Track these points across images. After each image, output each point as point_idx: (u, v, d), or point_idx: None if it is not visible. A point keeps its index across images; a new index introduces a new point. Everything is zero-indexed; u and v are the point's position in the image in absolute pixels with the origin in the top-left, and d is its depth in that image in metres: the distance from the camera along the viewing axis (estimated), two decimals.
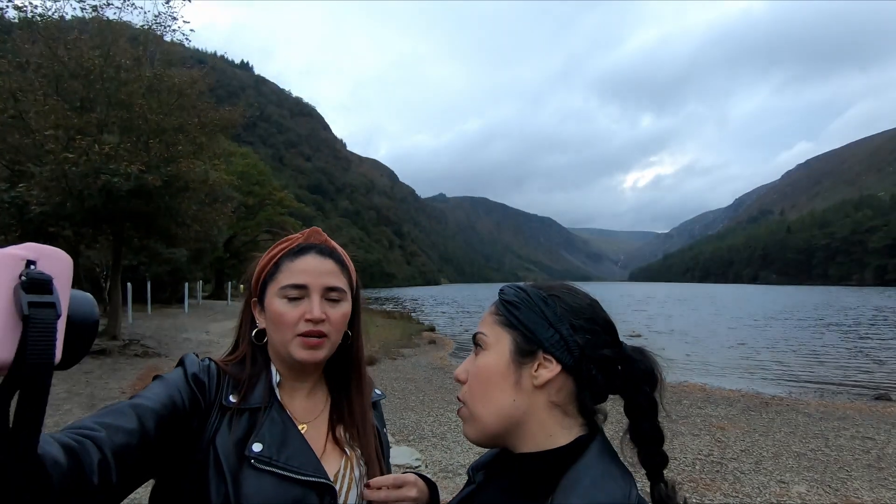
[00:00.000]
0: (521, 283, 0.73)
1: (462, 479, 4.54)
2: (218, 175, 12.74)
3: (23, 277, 0.44)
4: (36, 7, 10.63)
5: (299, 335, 0.84)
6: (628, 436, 0.66)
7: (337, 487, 0.82)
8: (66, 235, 11.32)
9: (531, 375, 0.65)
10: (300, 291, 0.85)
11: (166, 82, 11.05)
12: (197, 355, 0.87)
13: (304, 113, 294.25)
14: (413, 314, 30.60)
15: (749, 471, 4.91)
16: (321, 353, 0.86)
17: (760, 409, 7.70)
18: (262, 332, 0.90)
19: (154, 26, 11.59)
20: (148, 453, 0.69)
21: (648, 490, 0.66)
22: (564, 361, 0.65)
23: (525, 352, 0.66)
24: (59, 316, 0.45)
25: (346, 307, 0.89)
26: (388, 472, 0.94)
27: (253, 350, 0.90)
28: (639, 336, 19.29)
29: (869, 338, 19.51)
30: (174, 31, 11.83)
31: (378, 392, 1.03)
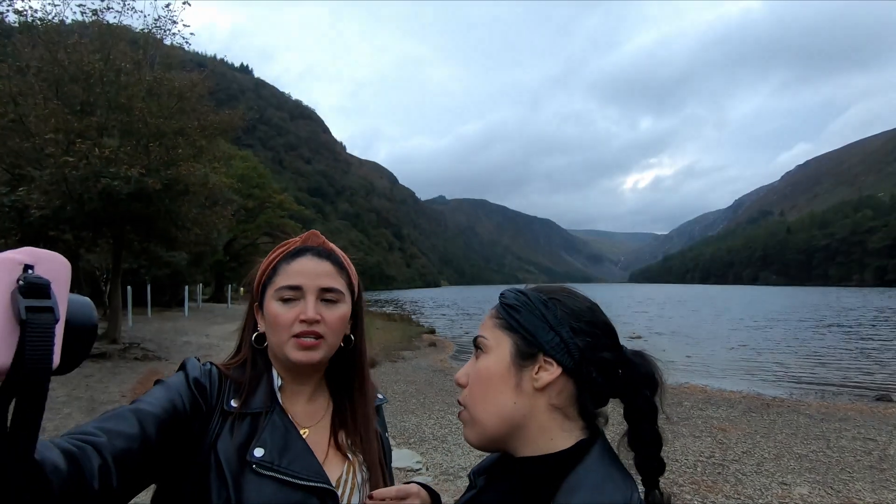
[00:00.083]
0: (521, 287, 0.73)
1: (463, 482, 4.53)
2: (218, 178, 12.76)
3: (20, 282, 0.44)
4: (36, 11, 10.68)
5: (294, 336, 0.84)
6: (626, 439, 0.66)
7: (339, 493, 0.82)
8: (66, 239, 11.33)
9: (532, 378, 0.65)
10: (295, 293, 0.85)
11: (166, 86, 11.06)
12: (198, 359, 0.87)
13: (304, 116, 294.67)
14: (413, 316, 30.58)
15: (751, 472, 4.90)
16: (317, 355, 0.85)
17: (761, 411, 7.69)
18: (263, 336, 0.90)
19: (154, 30, 11.62)
20: (149, 458, 0.69)
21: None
22: (565, 364, 0.65)
23: (526, 354, 0.66)
24: (57, 320, 0.45)
25: (343, 309, 0.89)
26: (391, 477, 0.94)
27: (254, 354, 0.90)
28: (639, 338, 19.27)
29: (870, 338, 19.50)
30: (174, 34, 11.89)
31: (380, 397, 1.03)
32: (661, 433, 0.66)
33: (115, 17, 11.17)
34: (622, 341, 0.70)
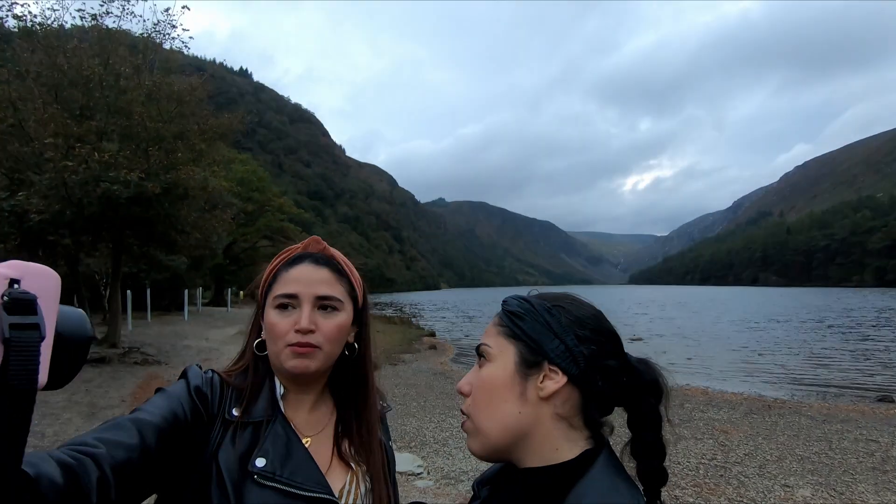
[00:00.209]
0: (524, 294, 0.72)
1: (464, 486, 4.52)
2: (217, 182, 12.75)
3: (4, 298, 0.42)
4: (35, 16, 10.70)
5: (289, 345, 0.82)
6: (629, 448, 0.65)
7: (342, 503, 0.81)
8: (66, 244, 11.30)
9: (537, 387, 0.65)
10: (292, 301, 0.84)
11: (165, 90, 11.07)
12: (200, 367, 0.87)
13: (303, 119, 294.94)
14: (413, 319, 30.56)
15: (753, 475, 4.89)
16: (312, 365, 0.83)
17: (763, 413, 7.67)
18: (265, 343, 0.89)
19: (153, 34, 11.64)
20: (149, 468, 0.68)
21: None
22: (570, 372, 0.64)
23: (530, 363, 0.65)
24: (42, 338, 0.43)
25: (341, 318, 0.87)
26: (394, 487, 0.93)
27: (256, 360, 0.89)
28: (640, 340, 19.26)
29: (871, 340, 19.48)
30: (173, 38, 11.90)
31: (384, 404, 1.01)
32: (665, 442, 0.65)
33: (114, 22, 11.20)
34: (623, 344, 0.69)
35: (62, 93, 10.36)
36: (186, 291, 21.57)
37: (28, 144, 9.84)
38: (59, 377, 0.48)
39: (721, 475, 4.86)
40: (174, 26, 11.74)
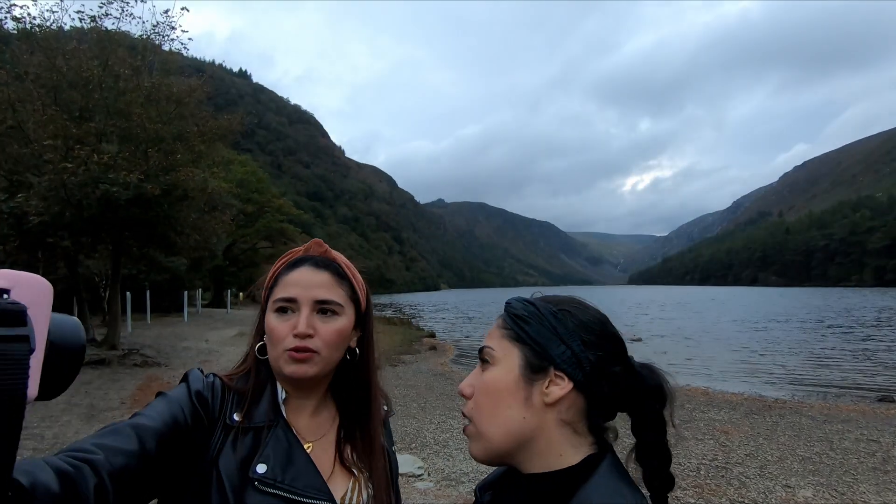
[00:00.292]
0: (528, 297, 0.71)
1: (464, 487, 4.51)
2: (217, 183, 12.75)
3: None
4: (35, 18, 10.69)
5: (288, 350, 0.82)
6: (634, 454, 0.65)
7: None
8: (65, 245, 11.29)
9: (542, 392, 0.64)
10: (291, 305, 0.84)
11: (165, 91, 11.08)
12: (201, 370, 0.86)
13: (303, 120, 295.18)
14: (413, 320, 30.56)
15: (754, 475, 4.88)
16: (310, 370, 0.82)
17: (764, 413, 7.67)
18: (265, 347, 0.88)
19: (152, 36, 11.64)
20: (149, 474, 0.67)
21: None
22: (576, 378, 0.63)
23: (536, 368, 0.64)
24: (32, 350, 0.42)
25: (341, 322, 0.85)
26: (397, 493, 0.92)
27: (257, 364, 0.88)
28: (640, 340, 19.26)
29: (871, 339, 19.49)
30: (172, 40, 11.91)
31: (386, 408, 1.00)
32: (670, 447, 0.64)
33: (113, 24, 11.22)
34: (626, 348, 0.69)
35: (61, 94, 10.37)
36: (186, 293, 21.58)
37: (27, 146, 9.84)
38: (53, 387, 0.47)
39: (722, 476, 4.86)
40: (173, 28, 11.77)
